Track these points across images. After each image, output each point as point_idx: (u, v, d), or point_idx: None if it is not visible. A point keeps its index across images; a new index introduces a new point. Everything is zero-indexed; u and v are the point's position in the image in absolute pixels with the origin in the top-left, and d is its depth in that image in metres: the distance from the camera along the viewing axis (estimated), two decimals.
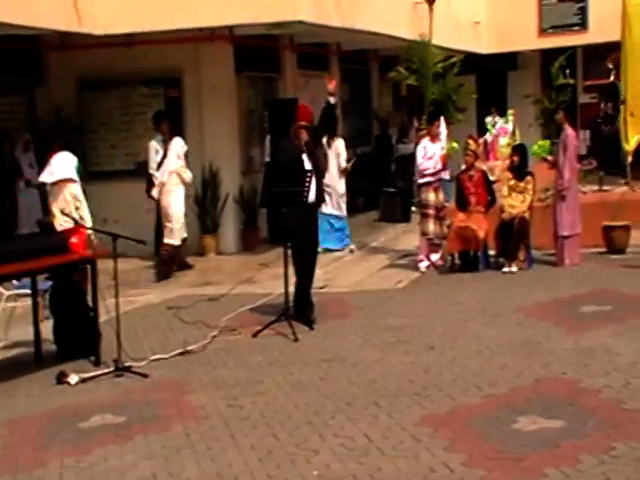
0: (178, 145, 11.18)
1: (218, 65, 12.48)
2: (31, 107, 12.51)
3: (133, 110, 12.89)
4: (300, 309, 8.02)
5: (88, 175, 12.44)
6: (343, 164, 12.36)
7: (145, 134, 12.70)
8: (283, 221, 7.98)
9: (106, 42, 11.67)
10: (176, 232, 10.92)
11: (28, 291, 7.37)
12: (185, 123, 12.54)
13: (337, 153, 12.28)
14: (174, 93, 12.71)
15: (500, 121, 15.87)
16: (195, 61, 12.44)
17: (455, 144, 10.69)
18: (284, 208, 7.86)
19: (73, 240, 7.14)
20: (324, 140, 11.99)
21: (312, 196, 7.96)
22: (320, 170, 8.43)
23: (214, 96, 12.43)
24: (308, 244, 8.07)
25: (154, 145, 11.65)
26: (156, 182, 11.32)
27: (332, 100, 8.14)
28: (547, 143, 10.68)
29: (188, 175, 11.26)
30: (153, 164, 11.55)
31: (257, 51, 13.35)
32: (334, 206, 12.18)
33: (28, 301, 7.43)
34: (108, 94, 12.86)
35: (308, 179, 7.74)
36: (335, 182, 12.17)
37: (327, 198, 11.61)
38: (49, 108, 12.48)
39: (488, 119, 16.28)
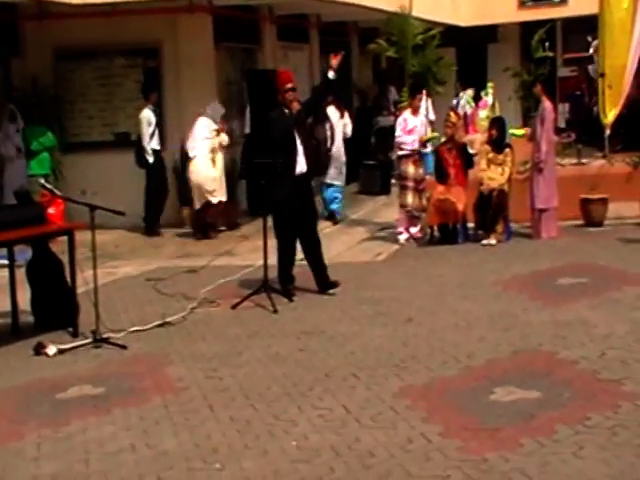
0: (214, 109, 11.69)
1: (197, 36, 12.36)
2: (7, 77, 12.34)
3: (111, 81, 12.76)
4: (321, 280, 8.06)
5: (66, 146, 12.43)
6: (349, 134, 12.82)
7: (123, 105, 12.62)
8: (270, 193, 7.92)
9: (84, 12, 11.52)
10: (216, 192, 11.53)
11: (5, 262, 7.31)
12: (163, 94, 12.42)
13: (345, 124, 12.69)
14: (152, 64, 12.59)
15: (464, 97, 15.81)
16: (174, 32, 12.32)
17: (436, 133, 10.74)
18: (269, 180, 7.81)
19: (50, 211, 7.09)
20: (334, 111, 12.15)
21: (302, 167, 7.93)
22: (318, 140, 8.32)
23: (193, 67, 12.33)
24: (300, 215, 7.96)
25: (147, 115, 11.66)
26: (147, 151, 11.63)
27: (331, 75, 7.97)
28: (522, 132, 10.85)
29: (224, 138, 11.64)
30: (147, 136, 11.65)
31: (236, 22, 13.22)
32: (334, 175, 12.39)
33: (5, 272, 7.37)
34: (86, 65, 12.72)
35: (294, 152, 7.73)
36: (340, 152, 12.39)
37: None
38: (25, 78, 12.31)
39: (468, 92, 16.27)
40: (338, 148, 12.31)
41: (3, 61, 12.29)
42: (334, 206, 12.42)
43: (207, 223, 11.64)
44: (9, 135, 11.56)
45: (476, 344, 6.25)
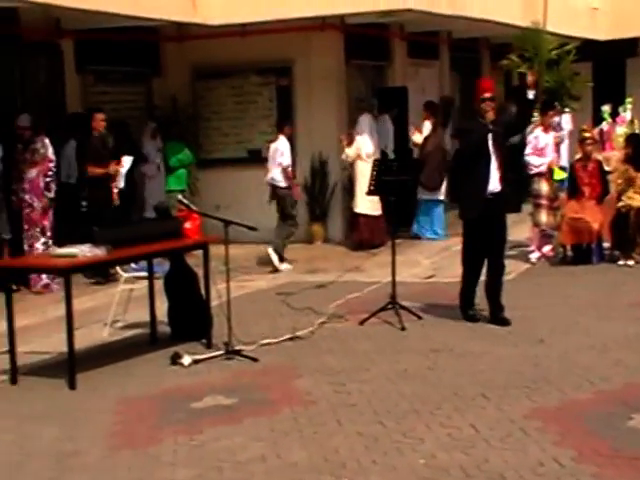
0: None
1: (328, 54, 12.55)
2: (149, 96, 12.91)
3: (245, 99, 13.12)
4: (494, 310, 7.64)
5: (201, 162, 12.86)
6: None
7: (256, 122, 12.94)
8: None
9: (220, 32, 11.93)
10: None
11: (145, 274, 7.62)
12: (295, 112, 12.67)
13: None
14: (284, 82, 12.87)
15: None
16: (306, 50, 12.55)
17: (564, 174, 10.48)
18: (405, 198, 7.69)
19: (187, 225, 7.35)
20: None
21: (495, 186, 7.42)
22: (505, 155, 7.61)
23: (324, 84, 12.52)
24: (489, 238, 7.53)
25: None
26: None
27: (531, 95, 7.65)
28: None
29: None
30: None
31: (367, 39, 13.35)
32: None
33: (145, 283, 7.69)
34: (221, 83, 13.13)
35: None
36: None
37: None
38: (165, 97, 12.84)
39: (605, 107, 15.80)
40: None
41: (145, 81, 12.88)
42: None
43: (363, 237, 11.74)
44: (150, 153, 12.10)
45: (612, 367, 6.05)
